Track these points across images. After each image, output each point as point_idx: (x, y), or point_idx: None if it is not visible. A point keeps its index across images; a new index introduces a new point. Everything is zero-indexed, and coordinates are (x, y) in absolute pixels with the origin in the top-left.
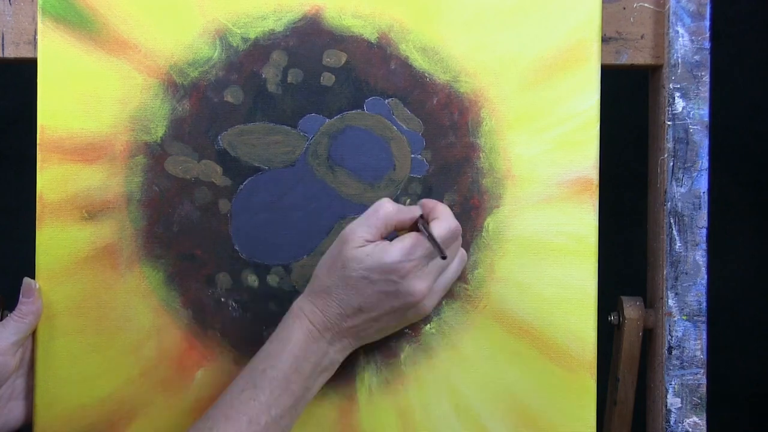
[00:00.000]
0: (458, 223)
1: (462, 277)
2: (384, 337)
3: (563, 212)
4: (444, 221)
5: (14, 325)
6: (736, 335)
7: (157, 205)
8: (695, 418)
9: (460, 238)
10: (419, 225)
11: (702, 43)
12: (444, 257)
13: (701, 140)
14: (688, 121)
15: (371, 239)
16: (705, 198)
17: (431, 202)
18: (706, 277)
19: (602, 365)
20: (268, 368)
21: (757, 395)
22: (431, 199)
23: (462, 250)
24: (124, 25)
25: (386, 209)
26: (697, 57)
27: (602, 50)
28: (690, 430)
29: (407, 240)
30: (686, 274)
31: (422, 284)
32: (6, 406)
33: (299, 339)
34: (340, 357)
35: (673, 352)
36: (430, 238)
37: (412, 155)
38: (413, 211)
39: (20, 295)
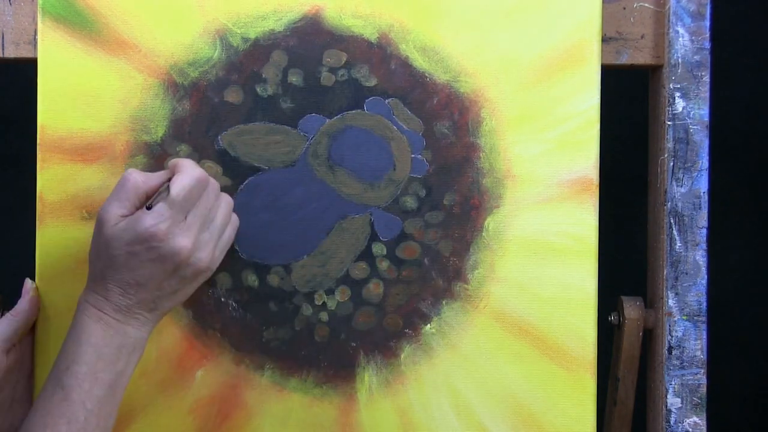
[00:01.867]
0: (203, 171)
1: (462, 277)
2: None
3: (563, 212)
4: (185, 173)
5: (6, 323)
6: (736, 335)
7: None
8: (695, 418)
9: (214, 185)
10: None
11: (702, 43)
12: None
13: (701, 140)
14: (688, 121)
15: (126, 213)
16: (705, 198)
17: (174, 161)
18: (706, 277)
19: (602, 365)
20: (71, 365)
21: (757, 395)
22: (177, 158)
23: (226, 196)
24: (124, 25)
25: (134, 179)
26: (697, 57)
27: (602, 50)
28: (690, 430)
29: (156, 203)
30: (686, 274)
31: (185, 240)
32: (10, 409)
33: (93, 328)
34: (142, 333)
35: (673, 352)
36: (158, 193)
37: (412, 155)
38: (161, 176)
39: (22, 296)
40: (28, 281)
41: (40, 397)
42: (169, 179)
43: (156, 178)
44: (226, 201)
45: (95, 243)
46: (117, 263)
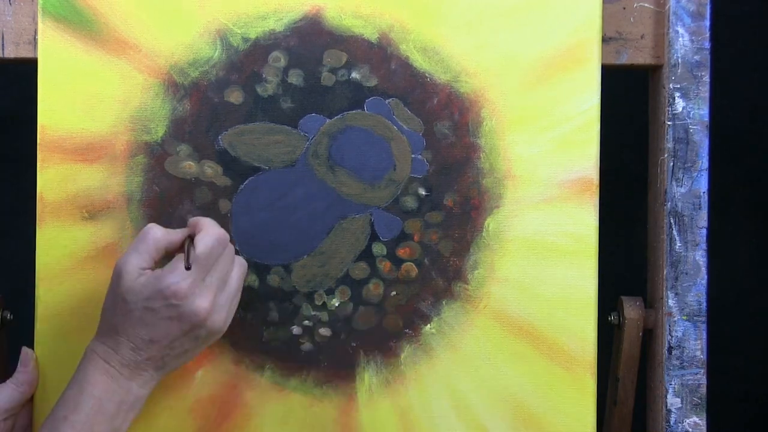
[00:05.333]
0: (224, 231)
1: (462, 277)
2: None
3: (563, 212)
4: (207, 233)
5: (8, 393)
6: (736, 335)
7: (158, 205)
8: (695, 418)
9: (231, 247)
10: (185, 243)
11: (702, 43)
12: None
13: (701, 140)
14: (688, 121)
15: (146, 267)
16: (705, 198)
17: (195, 219)
18: (706, 277)
19: (602, 365)
20: (69, 414)
21: (757, 395)
22: (199, 216)
23: (240, 259)
24: (124, 24)
25: (154, 234)
26: (697, 57)
27: (602, 50)
28: (690, 430)
29: (178, 261)
30: (686, 274)
31: (204, 301)
32: None
33: (98, 380)
34: (144, 391)
35: (673, 352)
36: (186, 251)
37: (413, 155)
38: (181, 233)
39: (18, 364)
40: (27, 351)
41: None
42: (189, 236)
43: (175, 233)
44: (241, 264)
45: (111, 294)
46: (133, 317)
